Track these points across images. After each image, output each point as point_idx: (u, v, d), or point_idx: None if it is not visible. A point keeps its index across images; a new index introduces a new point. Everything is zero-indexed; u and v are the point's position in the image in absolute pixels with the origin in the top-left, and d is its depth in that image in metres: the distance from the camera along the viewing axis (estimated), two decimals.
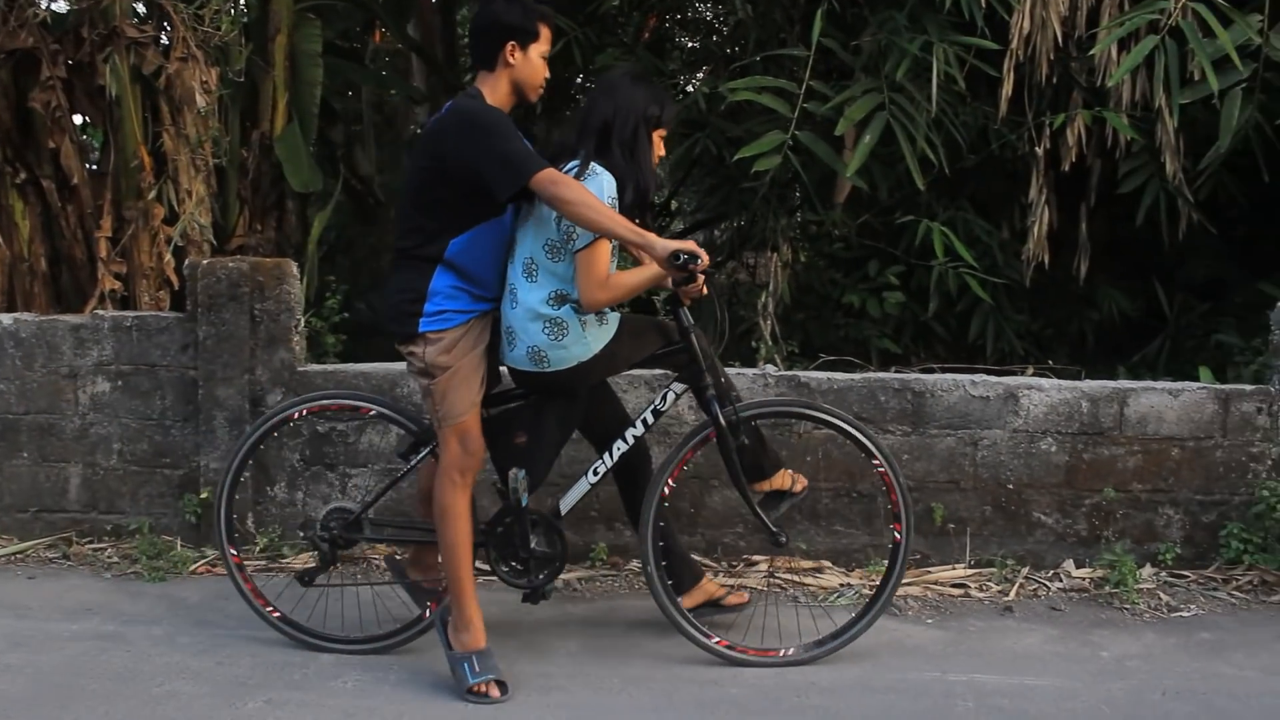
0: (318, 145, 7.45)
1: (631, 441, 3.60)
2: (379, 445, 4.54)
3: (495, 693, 3.34)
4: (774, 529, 3.62)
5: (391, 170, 13.67)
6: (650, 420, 3.61)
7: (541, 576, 3.59)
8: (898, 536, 3.61)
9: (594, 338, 3.41)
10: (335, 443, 4.58)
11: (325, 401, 3.88)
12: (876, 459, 3.60)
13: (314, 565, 3.77)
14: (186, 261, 4.80)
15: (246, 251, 6.24)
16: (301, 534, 4.17)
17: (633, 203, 3.38)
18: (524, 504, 3.49)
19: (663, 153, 3.58)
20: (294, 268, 4.65)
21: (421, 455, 3.63)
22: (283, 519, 4.60)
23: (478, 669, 3.37)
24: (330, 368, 4.67)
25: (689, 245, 3.22)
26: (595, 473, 3.61)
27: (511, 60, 3.41)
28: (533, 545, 3.55)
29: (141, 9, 6.10)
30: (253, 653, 3.66)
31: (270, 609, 3.75)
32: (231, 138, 6.24)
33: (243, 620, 3.89)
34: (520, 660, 3.60)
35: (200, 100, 5.64)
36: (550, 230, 3.34)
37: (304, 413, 3.83)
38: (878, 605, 3.65)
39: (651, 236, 3.24)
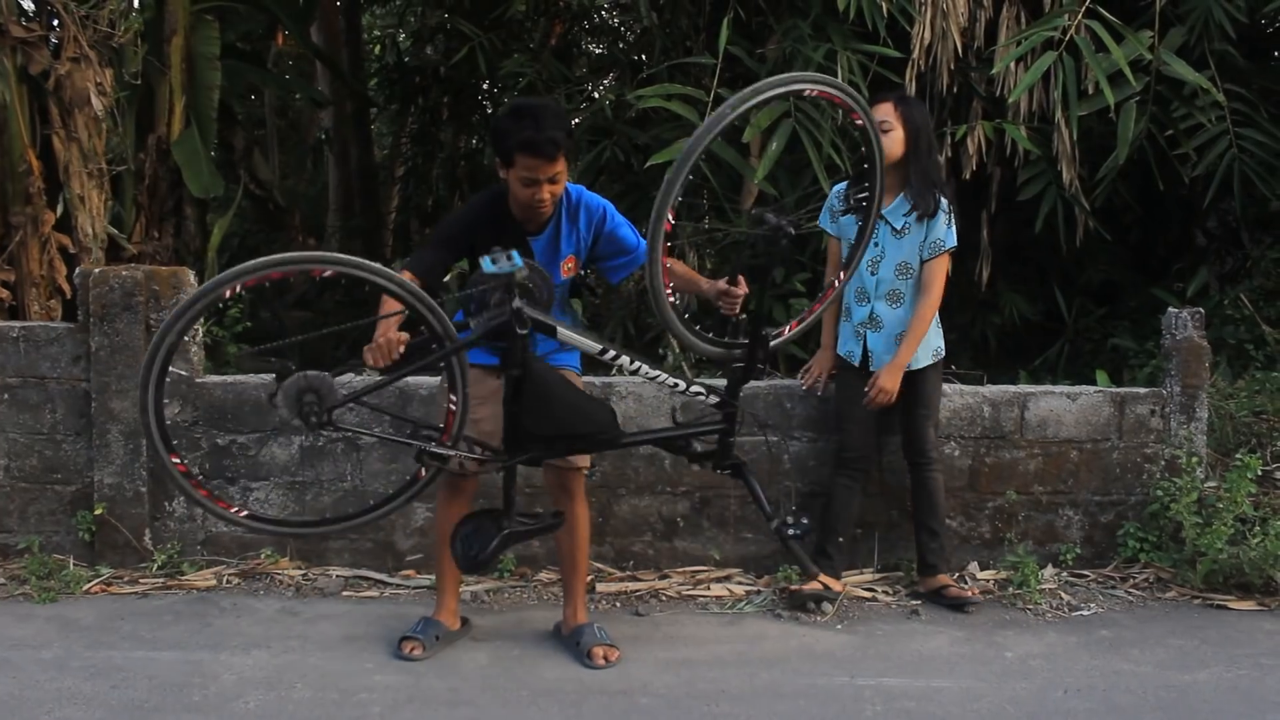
0: (218, 150, 7.30)
1: None
2: (280, 458, 4.44)
3: None
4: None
5: (295, 175, 13.46)
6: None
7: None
8: None
9: None
10: (235, 455, 4.46)
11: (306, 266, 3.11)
12: None
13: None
14: (77, 270, 4.63)
15: (144, 259, 6.08)
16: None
17: None
18: None
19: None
20: (191, 276, 4.52)
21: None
22: (182, 535, 4.47)
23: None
24: (230, 378, 4.54)
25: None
26: None
27: (502, 175, 3.44)
28: None
29: (29, 6, 5.89)
30: (150, 674, 3.53)
31: (236, 510, 3.41)
32: (127, 142, 6.07)
33: (139, 640, 3.77)
34: (428, 675, 3.54)
35: (96, 103, 5.47)
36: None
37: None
38: None
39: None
